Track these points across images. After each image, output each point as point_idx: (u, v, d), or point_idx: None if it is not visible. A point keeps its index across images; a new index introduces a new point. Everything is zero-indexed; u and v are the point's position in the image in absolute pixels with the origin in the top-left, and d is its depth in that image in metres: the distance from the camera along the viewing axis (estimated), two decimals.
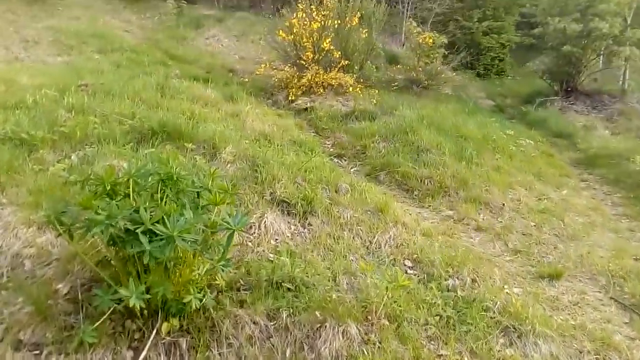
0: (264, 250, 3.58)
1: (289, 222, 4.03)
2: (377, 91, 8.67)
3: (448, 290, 3.44)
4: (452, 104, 9.60)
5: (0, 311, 2.67)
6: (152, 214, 2.58)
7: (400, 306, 3.09)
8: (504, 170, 6.33)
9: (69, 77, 6.95)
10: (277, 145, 5.59)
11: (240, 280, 3.18)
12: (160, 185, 2.74)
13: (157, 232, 2.41)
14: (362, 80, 9.05)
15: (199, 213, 2.74)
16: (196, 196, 2.97)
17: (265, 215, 3.94)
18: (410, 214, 4.67)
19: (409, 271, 3.73)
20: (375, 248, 3.97)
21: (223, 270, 2.61)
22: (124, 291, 2.38)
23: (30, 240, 3.19)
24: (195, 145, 4.74)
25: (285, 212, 4.12)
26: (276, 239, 3.79)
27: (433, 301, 3.23)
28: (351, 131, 7.03)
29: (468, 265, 3.72)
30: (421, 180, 5.50)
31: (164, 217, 2.57)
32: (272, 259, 3.52)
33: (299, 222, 4.04)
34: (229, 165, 4.56)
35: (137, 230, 2.43)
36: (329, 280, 3.36)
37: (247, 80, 9.01)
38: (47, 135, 4.46)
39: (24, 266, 3.03)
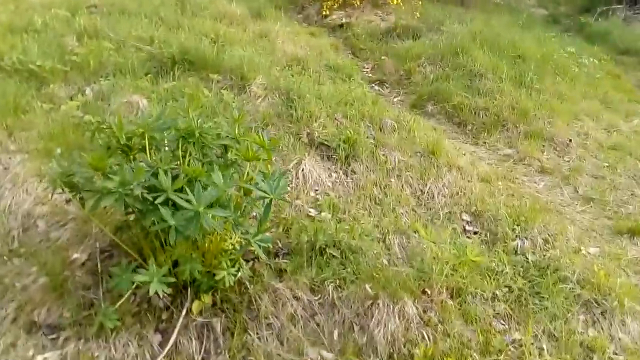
0: (302, 205, 3.15)
1: (329, 169, 3.55)
2: (420, 2, 7.69)
3: (516, 254, 2.98)
4: (504, 16, 8.54)
5: (11, 284, 2.37)
6: (173, 176, 2.15)
7: (462, 277, 2.67)
8: (567, 97, 5.57)
9: None
10: (312, 72, 4.97)
11: (279, 243, 2.79)
12: (180, 140, 2.27)
13: (180, 204, 1.98)
14: None
15: (229, 174, 2.29)
16: (224, 150, 2.50)
17: (303, 161, 3.47)
18: (464, 155, 4.12)
19: (467, 227, 3.27)
20: (428, 198, 3.49)
21: (260, 247, 2.20)
22: (142, 277, 2.01)
23: (42, 196, 2.83)
24: (221, 75, 4.19)
25: (325, 157, 3.63)
26: (316, 190, 3.35)
27: (500, 269, 2.79)
28: (393, 52, 6.28)
29: (537, 221, 3.23)
30: (475, 112, 4.85)
31: (188, 183, 2.14)
32: (312, 215, 3.11)
33: (340, 168, 3.56)
34: (259, 99, 4.02)
35: (156, 202, 2.00)
36: (378, 242, 2.94)
37: None
38: (57, 66, 3.97)
39: (37, 227, 2.70)
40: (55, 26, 4.88)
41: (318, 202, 3.23)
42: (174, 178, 2.17)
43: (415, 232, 3.09)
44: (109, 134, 2.36)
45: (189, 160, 2.29)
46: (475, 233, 3.21)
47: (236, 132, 2.52)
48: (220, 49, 4.61)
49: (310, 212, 3.14)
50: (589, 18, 10.51)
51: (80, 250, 2.56)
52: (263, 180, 2.17)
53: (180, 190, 2.09)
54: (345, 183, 3.47)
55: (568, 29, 10.27)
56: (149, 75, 4.04)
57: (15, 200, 2.76)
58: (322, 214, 3.13)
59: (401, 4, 7.43)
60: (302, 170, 3.41)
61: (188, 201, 1.99)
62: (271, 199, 2.14)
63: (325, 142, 3.68)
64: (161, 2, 6.01)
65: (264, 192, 2.14)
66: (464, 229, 3.26)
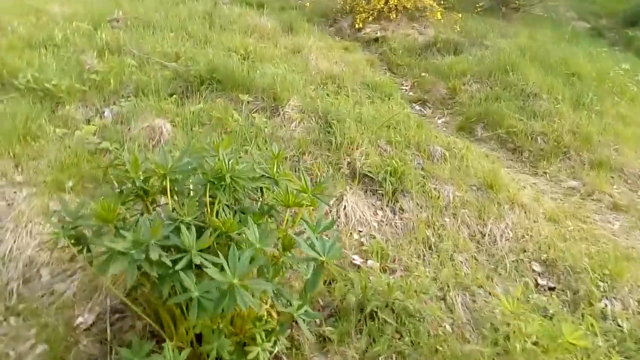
0: (346, 251, 2.70)
1: (373, 205, 3.11)
2: (460, 15, 7.22)
3: (605, 319, 2.47)
4: (547, 30, 8.00)
5: (4, 352, 1.98)
6: (198, 228, 1.75)
7: (544, 350, 2.17)
8: (630, 120, 5.01)
9: (105, 3, 6.03)
10: (349, 91, 4.54)
11: (320, 301, 2.35)
12: (208, 185, 1.85)
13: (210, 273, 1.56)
14: (441, 1, 7.58)
15: (266, 227, 1.86)
16: (259, 194, 2.09)
17: (345, 196, 3.03)
18: (525, 188, 3.62)
19: (540, 281, 2.77)
20: (489, 243, 3.01)
21: (305, 321, 1.76)
22: None
23: (48, 240, 2.45)
24: (252, 96, 3.79)
25: (369, 191, 3.18)
26: (360, 232, 2.90)
27: (591, 342, 2.28)
28: (433, 68, 5.81)
29: (624, 275, 2.72)
30: (532, 137, 4.35)
31: (217, 237, 1.73)
32: (357, 263, 2.66)
33: (386, 205, 3.11)
34: (294, 124, 3.60)
35: (177, 267, 1.59)
36: (437, 300, 2.47)
37: (306, 3, 7.74)
38: (75, 85, 3.63)
39: (40, 278, 2.31)
40: (76, 41, 4.59)
41: (363, 247, 2.79)
42: (199, 231, 1.76)
43: (479, 287, 2.61)
44: (123, 173, 1.96)
45: (218, 209, 1.87)
46: (551, 289, 2.71)
47: (274, 171, 2.11)
48: (251, 66, 4.23)
49: (354, 259, 2.69)
50: (636, 31, 9.87)
51: (88, 309, 2.16)
52: (311, 240, 1.73)
53: (208, 249, 1.69)
54: (393, 223, 3.01)
55: (614, 43, 9.65)
56: (174, 96, 3.67)
57: (17, 245, 2.39)
58: (369, 262, 2.68)
59: (440, 16, 6.97)
60: (344, 207, 2.97)
61: (216, 263, 1.57)
62: (323, 262, 1.70)
63: (369, 174, 3.23)
64: (189, 15, 5.70)
65: (313, 249, 1.70)
66: (537, 283, 2.76)
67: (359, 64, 5.53)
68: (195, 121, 3.38)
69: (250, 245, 1.71)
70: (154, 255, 1.58)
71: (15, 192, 2.65)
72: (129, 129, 3.31)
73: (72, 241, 1.83)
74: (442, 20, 7.00)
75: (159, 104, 3.54)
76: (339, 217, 2.92)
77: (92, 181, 2.79)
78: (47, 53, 4.25)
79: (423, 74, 5.75)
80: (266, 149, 3.29)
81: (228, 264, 1.55)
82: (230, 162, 1.80)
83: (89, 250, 1.82)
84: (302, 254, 1.77)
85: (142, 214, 1.97)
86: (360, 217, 2.97)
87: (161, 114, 3.42)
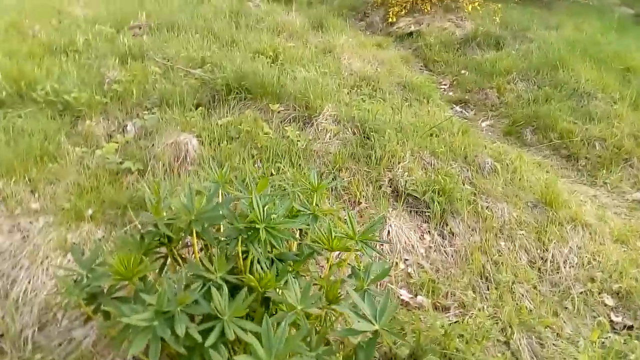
0: (390, 285, 2.42)
1: (420, 228, 2.81)
2: (499, 5, 6.76)
3: None
4: (593, 19, 7.45)
5: None
6: (231, 286, 1.50)
7: None
8: None
9: (128, 3, 5.83)
10: (385, 94, 4.22)
11: None
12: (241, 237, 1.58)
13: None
14: None
15: (308, 286, 1.57)
16: (298, 237, 1.81)
17: (388, 219, 2.74)
18: (585, 203, 3.25)
19: (614, 317, 2.43)
20: (552, 270, 2.67)
21: None
22: None
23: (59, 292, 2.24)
24: (283, 105, 3.51)
25: (414, 212, 2.88)
26: (406, 260, 2.61)
27: None
28: (474, 65, 5.42)
29: None
30: (588, 143, 3.95)
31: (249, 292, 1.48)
32: (406, 300, 2.37)
33: (434, 228, 2.80)
34: (328, 135, 3.32)
35: (207, 343, 1.33)
36: (500, 345, 2.16)
37: None
38: (95, 98, 3.42)
39: (57, 323, 2.10)
40: (98, 46, 4.39)
41: (411, 280, 2.49)
42: (232, 289, 1.50)
43: (546, 327, 2.29)
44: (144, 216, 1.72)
45: (252, 260, 1.60)
46: (628, 327, 2.37)
47: (314, 205, 1.83)
48: (281, 70, 3.95)
49: (401, 294, 2.40)
50: None
51: None
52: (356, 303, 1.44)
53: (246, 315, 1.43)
54: (442, 249, 2.70)
55: None
56: (200, 108, 3.42)
57: (32, 286, 2.18)
58: (419, 298, 2.39)
59: (478, 7, 6.54)
60: (388, 232, 2.68)
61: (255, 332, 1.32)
62: (376, 332, 1.42)
63: (413, 193, 2.93)
64: (214, 15, 5.45)
65: (364, 319, 1.42)
66: (610, 320, 2.42)
67: (393, 62, 5.19)
68: (223, 136, 3.13)
69: (290, 308, 1.45)
70: (180, 330, 1.33)
71: (31, 223, 2.45)
72: (153, 145, 3.08)
73: (85, 299, 1.60)
74: (480, 12, 6.57)
75: (184, 116, 3.29)
76: (382, 246, 2.63)
77: (113, 207, 2.57)
78: (68, 60, 4.07)
79: (462, 72, 5.38)
80: (299, 165, 3.02)
81: (261, 341, 1.29)
82: (265, 210, 1.52)
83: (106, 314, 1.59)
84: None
85: (165, 263, 1.73)
86: (405, 243, 2.67)
87: (187, 129, 3.17)
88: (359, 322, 1.40)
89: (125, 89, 3.56)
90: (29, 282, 2.17)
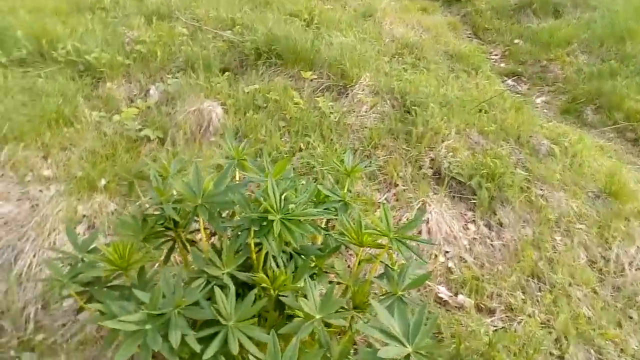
0: (430, 278, 2.14)
1: (463, 217, 2.50)
2: None
3: None
4: None
5: None
6: (238, 285, 1.28)
7: None
8: None
9: None
10: (429, 63, 3.85)
11: None
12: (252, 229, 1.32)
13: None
14: None
15: (331, 290, 1.31)
16: (324, 230, 1.54)
17: (428, 205, 2.44)
18: None
19: None
20: (615, 272, 2.34)
21: None
22: None
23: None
24: (316, 72, 3.21)
25: (457, 198, 2.57)
26: (447, 253, 2.32)
27: None
28: (529, 34, 4.93)
29: None
30: None
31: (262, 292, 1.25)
32: (445, 299, 2.10)
33: (480, 218, 2.49)
34: (364, 107, 3.01)
35: (205, 357, 1.11)
36: (553, 358, 1.88)
37: None
38: (118, 59, 3.20)
39: (62, 301, 1.93)
40: (126, 4, 4.16)
41: (451, 275, 2.21)
42: (242, 287, 1.27)
43: (607, 341, 1.99)
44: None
45: (265, 256, 1.35)
46: None
47: (345, 192, 1.56)
48: (316, 34, 3.62)
49: (440, 292, 2.13)
50: None
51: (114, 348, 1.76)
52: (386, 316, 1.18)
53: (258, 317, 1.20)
54: (488, 242, 2.40)
55: None
56: (227, 73, 3.15)
57: (37, 260, 2.01)
58: (459, 297, 2.11)
59: None
60: (427, 220, 2.39)
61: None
62: (409, 356, 1.15)
63: (458, 177, 2.61)
64: None
65: (399, 343, 1.15)
66: None
67: (439, 28, 4.77)
68: (249, 104, 2.87)
69: (308, 317, 1.21)
70: (174, 337, 1.11)
71: (41, 191, 2.28)
72: (175, 112, 2.85)
73: (78, 288, 1.40)
74: None
75: (209, 82, 3.04)
76: (420, 234, 2.34)
77: (129, 177, 2.37)
78: (93, 18, 3.86)
79: (516, 41, 4.90)
80: (331, 140, 2.74)
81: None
82: (282, 198, 1.25)
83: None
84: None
85: (172, 248, 1.51)
86: (447, 233, 2.38)
87: (211, 95, 2.93)
88: (386, 344, 1.14)
89: (149, 50, 3.33)
90: (34, 256, 2.01)
